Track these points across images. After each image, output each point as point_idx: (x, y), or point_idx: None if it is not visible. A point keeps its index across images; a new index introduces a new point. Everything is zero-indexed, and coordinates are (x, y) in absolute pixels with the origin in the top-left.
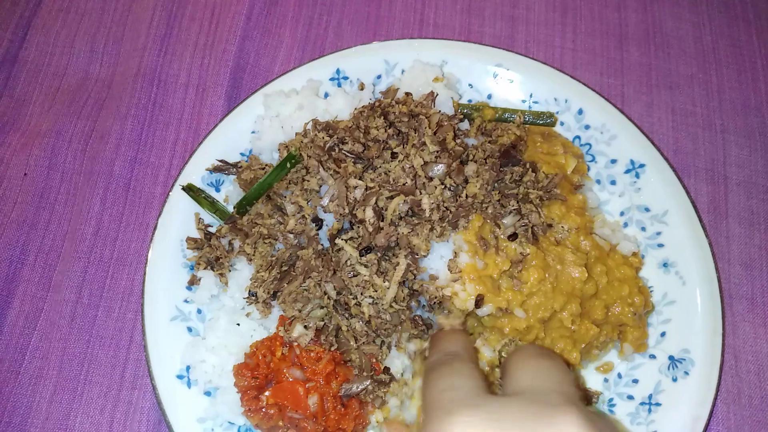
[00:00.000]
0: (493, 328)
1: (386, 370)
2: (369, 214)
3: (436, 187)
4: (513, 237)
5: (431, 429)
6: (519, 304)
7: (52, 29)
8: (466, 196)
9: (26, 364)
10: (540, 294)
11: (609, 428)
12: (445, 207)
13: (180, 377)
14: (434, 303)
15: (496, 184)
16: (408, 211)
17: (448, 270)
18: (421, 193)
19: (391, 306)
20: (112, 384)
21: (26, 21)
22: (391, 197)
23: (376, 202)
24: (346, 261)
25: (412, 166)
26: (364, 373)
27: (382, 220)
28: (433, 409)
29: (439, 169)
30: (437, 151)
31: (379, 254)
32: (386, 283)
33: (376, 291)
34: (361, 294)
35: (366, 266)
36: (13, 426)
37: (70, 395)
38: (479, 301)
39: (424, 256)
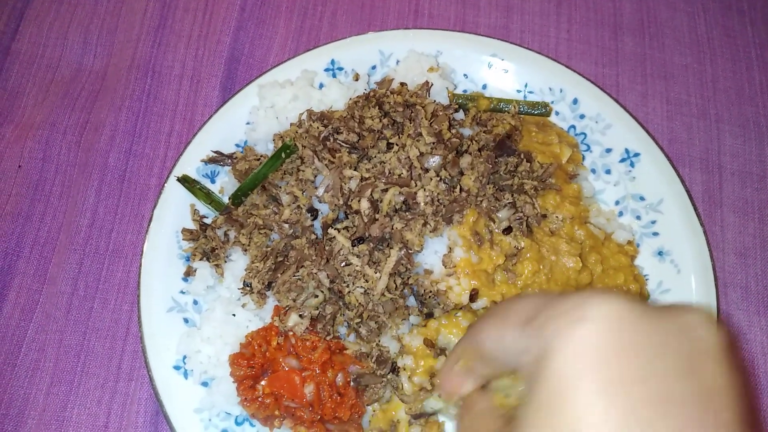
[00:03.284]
0: None
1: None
2: (365, 205)
3: (431, 179)
4: (508, 231)
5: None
6: None
7: (45, 20)
8: (461, 190)
9: (22, 356)
10: (534, 286)
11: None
12: (439, 201)
13: (177, 368)
14: (428, 297)
15: (491, 177)
16: (402, 205)
17: (443, 265)
18: (416, 185)
19: (383, 295)
20: (108, 375)
21: (19, 12)
22: (386, 189)
23: (371, 194)
24: (339, 250)
25: (408, 157)
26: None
27: (378, 212)
28: None
29: (435, 160)
30: (433, 143)
31: (372, 245)
32: (377, 274)
33: (367, 281)
34: (353, 284)
35: (358, 256)
36: (9, 418)
37: (66, 387)
38: (474, 296)
39: (418, 252)
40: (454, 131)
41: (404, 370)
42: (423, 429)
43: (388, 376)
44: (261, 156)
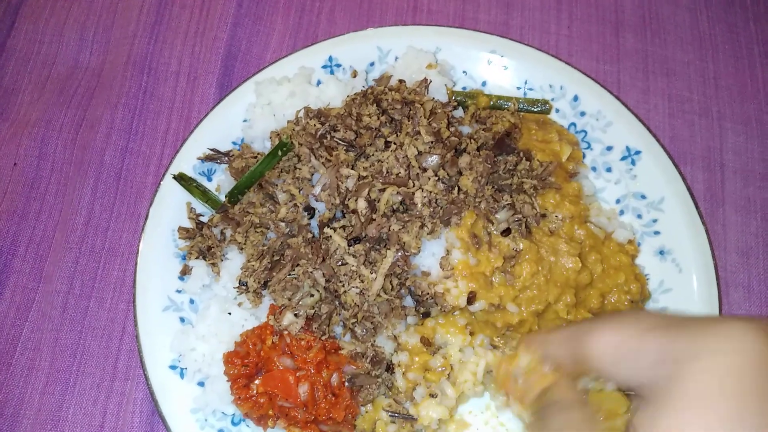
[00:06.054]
0: (486, 323)
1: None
2: (362, 205)
3: (429, 179)
4: (506, 232)
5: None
6: (511, 299)
7: (40, 17)
8: (458, 191)
9: (18, 355)
10: (533, 287)
11: None
12: (437, 203)
13: (173, 368)
14: (426, 299)
15: (490, 177)
16: (400, 206)
17: (440, 267)
18: (414, 185)
19: (378, 296)
20: (104, 375)
21: (14, 8)
22: (384, 189)
23: (368, 193)
24: (335, 250)
25: (406, 156)
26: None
27: (375, 212)
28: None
29: (433, 160)
30: (432, 141)
31: (368, 245)
32: (373, 275)
33: (362, 282)
34: (349, 283)
35: (354, 256)
36: (5, 417)
37: (62, 386)
38: (471, 298)
39: (415, 254)
40: (453, 129)
41: (399, 366)
42: (398, 428)
43: (383, 376)
44: (258, 154)
